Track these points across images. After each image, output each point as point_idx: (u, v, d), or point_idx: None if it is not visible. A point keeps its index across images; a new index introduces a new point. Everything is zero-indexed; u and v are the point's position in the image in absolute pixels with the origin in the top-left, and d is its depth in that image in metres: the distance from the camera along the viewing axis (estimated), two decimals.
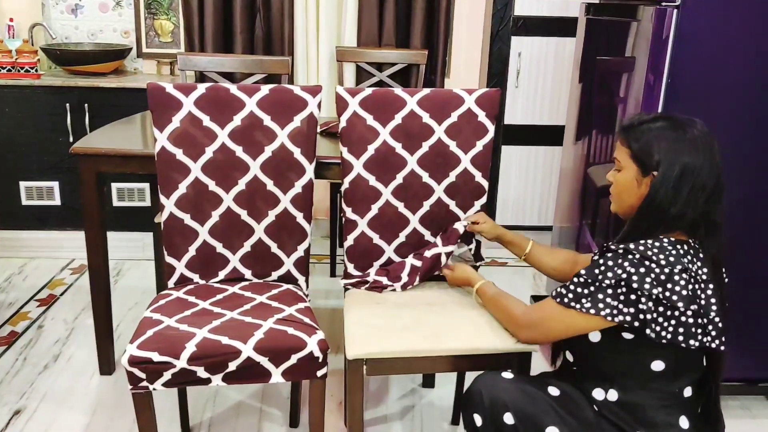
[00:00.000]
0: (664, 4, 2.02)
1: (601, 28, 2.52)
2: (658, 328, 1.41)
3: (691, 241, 1.48)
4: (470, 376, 2.47)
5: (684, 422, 1.50)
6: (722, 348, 1.46)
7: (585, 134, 2.62)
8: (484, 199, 2.12)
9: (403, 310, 1.90)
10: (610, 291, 1.43)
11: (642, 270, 1.41)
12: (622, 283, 1.42)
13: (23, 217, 3.43)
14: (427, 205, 2.09)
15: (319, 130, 2.08)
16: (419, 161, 2.06)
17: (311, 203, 2.06)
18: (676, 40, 2.01)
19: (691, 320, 1.42)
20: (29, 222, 3.44)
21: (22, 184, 3.38)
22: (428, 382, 2.50)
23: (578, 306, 1.47)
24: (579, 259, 1.93)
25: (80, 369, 2.50)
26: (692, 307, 1.41)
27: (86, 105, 3.27)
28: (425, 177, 2.07)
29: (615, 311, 1.43)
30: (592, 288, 1.46)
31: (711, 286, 1.45)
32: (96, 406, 2.29)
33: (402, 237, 2.10)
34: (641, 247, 1.44)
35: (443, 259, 2.02)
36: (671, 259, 1.42)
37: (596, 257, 1.51)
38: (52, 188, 3.40)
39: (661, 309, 1.41)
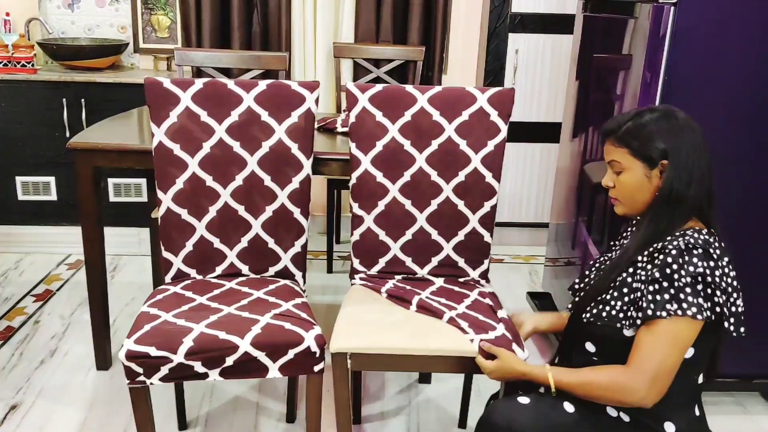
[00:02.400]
0: (661, 1, 2.02)
1: (598, 25, 2.53)
2: (728, 321, 1.43)
3: (713, 231, 1.50)
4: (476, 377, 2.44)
5: (696, 410, 1.52)
6: (744, 334, 1.47)
7: (582, 131, 2.63)
8: (494, 200, 2.07)
9: (397, 308, 1.90)
10: (689, 289, 1.40)
11: (711, 263, 1.41)
12: (699, 279, 1.40)
13: (19, 212, 3.42)
14: (435, 204, 2.07)
15: (316, 126, 2.08)
16: (428, 159, 2.04)
17: (308, 199, 2.06)
18: (673, 37, 2.01)
19: (741, 309, 1.45)
20: (25, 217, 3.43)
21: (18, 179, 3.37)
22: (425, 378, 2.50)
23: (664, 314, 1.39)
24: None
25: (77, 364, 2.50)
26: (741, 296, 1.45)
27: (83, 100, 3.26)
28: (434, 175, 2.05)
29: (702, 309, 1.40)
30: (672, 291, 1.41)
31: (733, 274, 1.47)
32: (93, 401, 2.30)
33: (408, 235, 2.09)
34: (699, 241, 1.42)
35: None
36: (718, 251, 1.44)
37: (655, 260, 1.45)
38: (49, 183, 3.39)
39: (725, 301, 1.43)
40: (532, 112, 3.63)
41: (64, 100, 3.26)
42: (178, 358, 1.63)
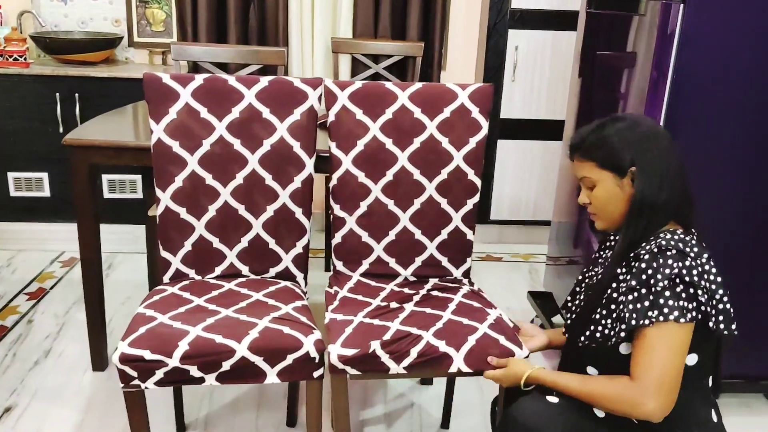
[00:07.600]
0: None
1: (602, 22, 2.49)
2: (714, 319, 1.38)
3: (692, 231, 1.47)
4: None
5: (714, 416, 1.48)
6: (736, 332, 1.42)
7: None
8: (476, 198, 2.06)
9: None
10: (668, 293, 1.36)
11: (687, 262, 1.37)
12: (677, 280, 1.36)
13: (11, 208, 3.37)
14: (417, 203, 2.04)
15: (318, 123, 2.04)
16: (410, 158, 2.01)
17: (311, 198, 2.02)
18: (682, 36, 1.98)
19: (728, 306, 1.40)
20: (18, 214, 3.38)
21: (10, 175, 3.32)
22: (426, 379, 2.47)
23: (647, 321, 1.35)
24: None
25: (72, 365, 2.45)
26: (728, 293, 1.40)
27: (76, 95, 3.21)
28: (416, 174, 2.02)
29: (685, 311, 1.35)
30: (651, 297, 1.36)
31: (714, 271, 1.43)
32: (89, 402, 2.25)
33: (392, 235, 2.06)
34: (672, 242, 1.39)
35: None
36: (696, 249, 1.40)
37: (632, 269, 1.42)
38: (42, 179, 3.34)
39: (708, 299, 1.38)
40: (531, 110, 3.58)
41: (57, 94, 3.20)
42: (173, 362, 1.59)
